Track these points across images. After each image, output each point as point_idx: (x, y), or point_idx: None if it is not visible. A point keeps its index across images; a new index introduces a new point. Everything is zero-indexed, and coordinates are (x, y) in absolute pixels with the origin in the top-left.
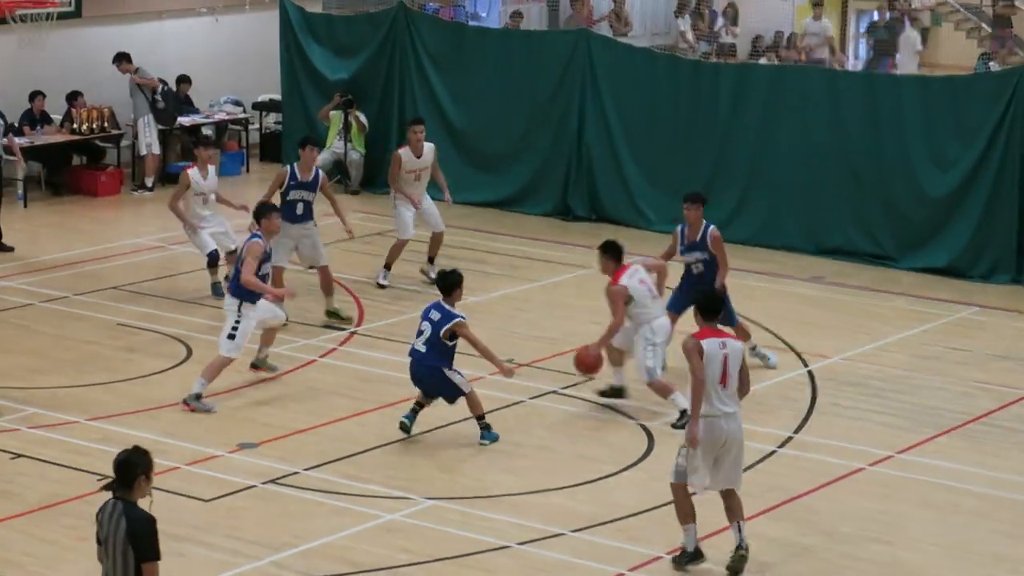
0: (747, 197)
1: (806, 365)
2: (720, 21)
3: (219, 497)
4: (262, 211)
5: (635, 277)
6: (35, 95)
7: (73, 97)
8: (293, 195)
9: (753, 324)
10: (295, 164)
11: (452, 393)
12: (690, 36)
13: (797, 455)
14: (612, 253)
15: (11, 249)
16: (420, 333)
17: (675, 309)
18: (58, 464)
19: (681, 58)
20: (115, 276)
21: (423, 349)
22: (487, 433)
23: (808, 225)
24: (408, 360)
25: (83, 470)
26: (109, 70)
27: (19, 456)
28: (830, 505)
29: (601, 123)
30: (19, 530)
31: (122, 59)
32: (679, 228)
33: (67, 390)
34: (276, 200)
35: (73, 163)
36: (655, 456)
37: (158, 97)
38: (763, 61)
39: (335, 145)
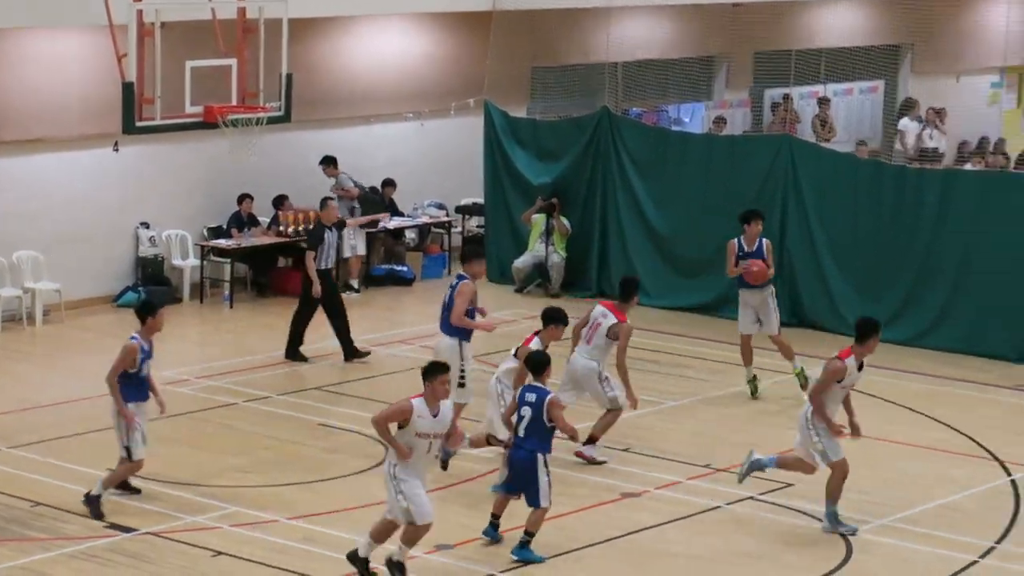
0: (951, 304)
1: (1009, 474)
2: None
3: None
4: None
5: None
6: (243, 197)
7: (280, 201)
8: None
9: (954, 431)
10: (741, 237)
11: (536, 497)
12: (911, 139)
13: (1000, 565)
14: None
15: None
16: (520, 419)
17: None
18: (259, 563)
19: (885, 163)
20: (319, 377)
21: (522, 434)
22: (527, 552)
23: (1014, 333)
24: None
25: (284, 568)
26: (316, 173)
27: (220, 554)
28: None
29: (803, 228)
30: None
31: (329, 163)
32: None
33: (270, 489)
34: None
35: (279, 265)
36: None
37: (355, 204)
38: (968, 167)
39: (537, 248)
